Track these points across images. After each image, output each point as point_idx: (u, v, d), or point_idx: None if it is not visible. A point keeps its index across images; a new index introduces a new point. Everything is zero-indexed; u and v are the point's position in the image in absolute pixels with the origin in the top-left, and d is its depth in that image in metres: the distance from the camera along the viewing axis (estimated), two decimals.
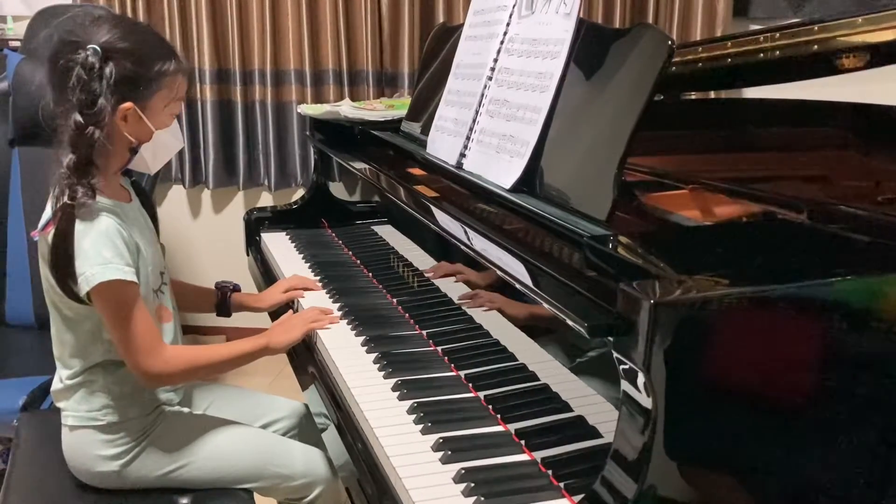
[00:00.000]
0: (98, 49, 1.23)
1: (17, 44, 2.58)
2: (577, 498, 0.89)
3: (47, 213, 1.28)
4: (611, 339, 0.84)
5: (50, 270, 1.26)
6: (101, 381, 1.33)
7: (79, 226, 1.23)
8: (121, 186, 1.38)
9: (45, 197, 1.31)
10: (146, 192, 1.50)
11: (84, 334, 1.32)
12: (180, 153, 2.96)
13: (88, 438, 1.34)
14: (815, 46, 1.34)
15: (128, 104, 1.26)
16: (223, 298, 1.64)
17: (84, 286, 1.23)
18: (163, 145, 1.36)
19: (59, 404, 1.37)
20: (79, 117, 1.22)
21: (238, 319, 1.77)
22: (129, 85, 1.26)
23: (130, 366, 1.29)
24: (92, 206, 1.23)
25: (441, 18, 2.74)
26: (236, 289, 1.66)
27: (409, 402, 1.16)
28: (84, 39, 1.24)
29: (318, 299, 1.59)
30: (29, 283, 2.20)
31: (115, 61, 1.24)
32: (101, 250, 1.23)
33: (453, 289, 1.37)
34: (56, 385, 1.37)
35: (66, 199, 1.22)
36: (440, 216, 1.33)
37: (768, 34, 1.44)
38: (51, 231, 1.24)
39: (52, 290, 1.29)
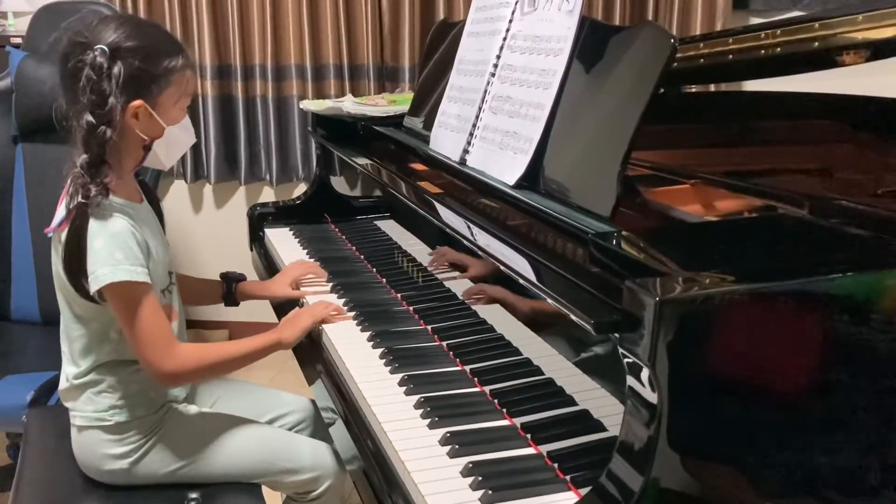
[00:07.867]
0: (106, 49, 1.24)
1: (19, 40, 2.58)
2: (584, 491, 0.90)
3: (61, 211, 1.29)
4: (616, 335, 0.85)
5: (63, 268, 1.28)
6: (107, 381, 1.34)
7: (92, 225, 1.24)
8: (134, 187, 1.39)
9: (50, 193, 1.32)
10: (154, 192, 1.50)
11: (92, 333, 1.33)
12: None
13: (96, 438, 1.35)
14: (816, 44, 1.36)
15: (138, 102, 1.27)
16: (230, 288, 1.65)
17: (94, 285, 1.24)
18: (175, 141, 1.37)
19: (67, 404, 1.38)
20: (90, 117, 1.23)
21: (241, 314, 1.78)
22: (139, 83, 1.27)
23: (144, 365, 1.30)
24: (106, 205, 1.25)
25: (441, 12, 2.75)
26: (242, 278, 1.68)
27: (415, 397, 1.18)
28: (92, 40, 1.25)
29: (323, 295, 1.60)
30: (34, 279, 2.20)
31: (123, 60, 1.24)
32: (114, 251, 1.24)
33: (457, 284, 1.38)
34: (63, 384, 1.38)
35: (80, 198, 1.23)
36: (444, 212, 1.34)
37: (769, 31, 1.45)
38: (65, 229, 1.25)
39: (64, 286, 1.30)
